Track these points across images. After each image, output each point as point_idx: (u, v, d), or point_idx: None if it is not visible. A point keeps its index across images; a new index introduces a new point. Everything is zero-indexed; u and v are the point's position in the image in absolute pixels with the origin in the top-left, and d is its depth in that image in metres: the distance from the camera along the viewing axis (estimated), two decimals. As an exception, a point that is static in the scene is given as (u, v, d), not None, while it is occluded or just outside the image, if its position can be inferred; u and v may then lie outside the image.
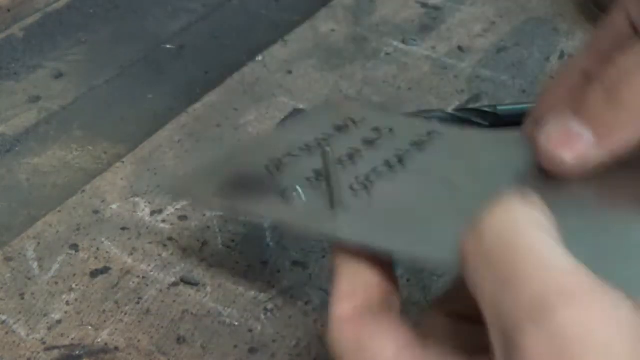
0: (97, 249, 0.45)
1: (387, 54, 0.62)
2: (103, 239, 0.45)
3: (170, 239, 0.45)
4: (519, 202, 0.25)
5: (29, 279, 0.43)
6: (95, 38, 0.65)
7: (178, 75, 0.61)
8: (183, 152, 0.52)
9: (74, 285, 0.42)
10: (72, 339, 0.40)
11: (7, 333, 0.40)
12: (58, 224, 0.46)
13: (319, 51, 0.62)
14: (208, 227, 0.46)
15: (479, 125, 0.54)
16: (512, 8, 0.68)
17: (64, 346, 0.39)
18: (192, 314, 0.41)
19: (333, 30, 0.64)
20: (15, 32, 0.65)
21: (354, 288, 0.30)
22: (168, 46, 0.64)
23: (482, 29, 0.65)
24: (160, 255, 0.44)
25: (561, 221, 0.26)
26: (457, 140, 0.40)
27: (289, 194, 0.35)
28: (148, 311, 0.41)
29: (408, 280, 0.43)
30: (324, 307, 0.41)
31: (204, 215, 0.47)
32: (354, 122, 0.41)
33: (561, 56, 0.62)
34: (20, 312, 0.41)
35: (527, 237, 0.24)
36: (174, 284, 0.43)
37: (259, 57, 0.61)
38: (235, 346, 0.40)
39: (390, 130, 0.41)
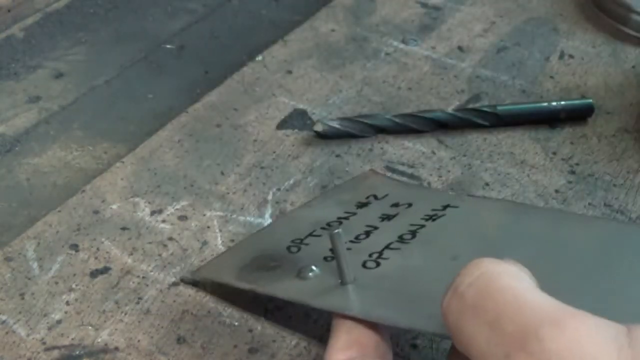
0: (97, 249, 0.45)
1: (387, 54, 0.62)
2: (103, 239, 0.45)
3: (170, 239, 0.45)
4: (491, 260, 0.27)
5: (29, 279, 0.43)
6: (95, 38, 0.65)
7: (178, 75, 0.61)
8: (183, 152, 0.52)
9: (74, 285, 0.43)
10: (72, 339, 0.40)
11: (7, 333, 0.40)
12: (58, 224, 0.46)
13: (319, 51, 0.62)
14: (208, 227, 0.46)
15: (479, 125, 0.54)
16: (512, 8, 0.68)
17: (64, 346, 0.39)
18: (192, 314, 0.41)
19: (333, 30, 0.64)
20: (15, 32, 0.65)
21: (350, 342, 0.32)
22: (168, 46, 0.64)
23: (482, 29, 0.65)
24: (160, 255, 0.44)
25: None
26: (468, 212, 0.42)
27: (305, 273, 0.38)
28: (148, 311, 0.41)
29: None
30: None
31: (204, 215, 0.47)
32: (376, 198, 0.44)
33: (561, 56, 0.62)
34: (20, 312, 0.41)
35: (504, 283, 0.26)
36: (174, 284, 0.43)
37: (259, 57, 0.61)
38: (235, 346, 0.40)
39: (409, 205, 0.44)
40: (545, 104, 0.55)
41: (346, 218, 0.44)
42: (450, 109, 0.55)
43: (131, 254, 0.44)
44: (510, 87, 0.59)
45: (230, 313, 0.41)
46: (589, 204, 0.48)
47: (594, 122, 0.55)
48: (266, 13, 0.69)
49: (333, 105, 0.56)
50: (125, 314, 0.41)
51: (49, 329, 0.40)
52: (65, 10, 0.68)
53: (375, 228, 0.42)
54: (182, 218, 0.47)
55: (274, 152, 0.52)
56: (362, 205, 0.45)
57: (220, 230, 0.46)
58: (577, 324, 0.24)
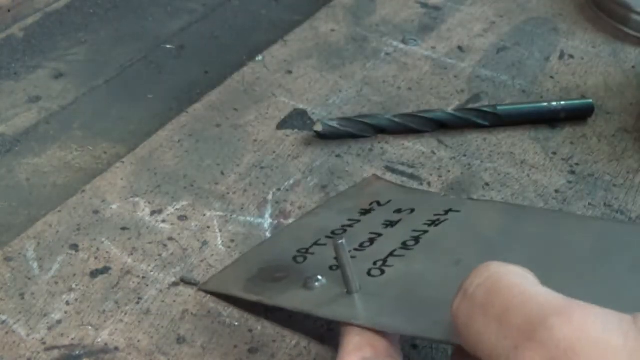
0: (97, 249, 0.45)
1: (387, 54, 0.62)
2: (103, 239, 0.45)
3: (170, 239, 0.45)
4: (499, 263, 0.28)
5: (29, 279, 0.43)
6: (95, 38, 0.65)
7: (178, 75, 0.61)
8: (183, 152, 0.52)
9: (74, 285, 0.42)
10: (72, 339, 0.40)
11: (7, 333, 0.40)
12: (58, 224, 0.46)
13: (319, 51, 0.62)
14: (208, 227, 0.46)
15: (479, 125, 0.54)
16: (512, 8, 0.68)
17: (64, 346, 0.39)
18: (192, 314, 0.41)
19: (333, 30, 0.64)
20: (15, 32, 0.65)
21: (362, 344, 0.33)
22: (168, 46, 0.64)
23: (482, 29, 0.65)
24: (160, 255, 0.44)
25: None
26: (470, 216, 0.43)
27: (311, 283, 0.39)
28: (148, 311, 0.41)
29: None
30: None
31: (204, 215, 0.47)
32: (379, 204, 0.45)
33: (561, 56, 0.62)
34: (20, 312, 0.41)
35: (511, 281, 0.27)
36: (174, 284, 0.43)
37: (259, 57, 0.61)
38: (235, 346, 0.40)
39: (412, 211, 0.44)
40: (545, 104, 0.55)
41: (350, 226, 0.44)
42: (450, 109, 0.55)
43: (131, 254, 0.44)
44: (510, 87, 0.59)
45: (230, 313, 0.41)
46: (589, 204, 0.48)
47: (594, 122, 0.55)
48: (266, 13, 0.69)
49: (333, 105, 0.56)
50: (125, 314, 0.41)
51: (49, 329, 0.40)
52: (65, 10, 0.68)
53: (379, 235, 0.42)
54: (182, 218, 0.47)
55: (274, 152, 0.52)
56: (365, 212, 0.45)
57: (220, 230, 0.46)
58: (584, 313, 0.24)
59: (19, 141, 0.54)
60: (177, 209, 0.47)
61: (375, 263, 0.39)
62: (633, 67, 0.61)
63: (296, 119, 0.55)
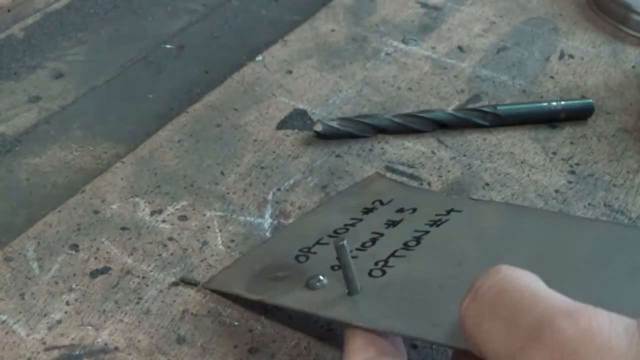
0: (97, 249, 0.45)
1: (387, 54, 0.62)
2: (103, 239, 0.45)
3: (170, 239, 0.45)
4: (510, 267, 0.29)
5: (29, 279, 0.43)
6: (95, 38, 0.65)
7: (178, 75, 0.61)
8: (183, 152, 0.52)
9: (74, 285, 0.42)
10: (72, 339, 0.40)
11: (7, 333, 0.40)
12: (58, 224, 0.46)
13: (319, 51, 0.62)
14: (208, 227, 0.46)
15: (479, 125, 0.54)
16: (512, 8, 0.68)
17: (64, 346, 0.39)
18: (192, 314, 0.41)
19: (333, 30, 0.64)
20: (15, 32, 0.65)
21: (367, 343, 0.34)
22: (168, 46, 0.64)
23: (482, 29, 0.65)
24: (160, 255, 0.44)
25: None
26: (472, 216, 0.43)
27: (313, 283, 0.39)
28: (148, 311, 0.41)
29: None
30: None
31: (204, 215, 0.47)
32: (382, 203, 0.45)
33: (561, 56, 0.62)
34: (20, 312, 0.41)
35: (522, 283, 0.28)
36: (174, 284, 0.43)
37: (259, 57, 0.61)
38: (235, 346, 0.40)
39: (414, 210, 0.44)
40: (545, 104, 0.55)
41: (352, 225, 0.44)
42: (450, 109, 0.55)
43: (131, 254, 0.44)
44: (510, 87, 0.59)
45: (230, 313, 0.41)
46: (589, 204, 0.48)
47: (594, 122, 0.55)
48: (266, 13, 0.69)
49: (333, 105, 0.56)
50: (125, 314, 0.41)
51: (49, 329, 0.40)
52: (65, 10, 0.68)
53: (381, 235, 0.42)
54: (182, 218, 0.47)
55: (274, 152, 0.52)
56: (367, 211, 0.45)
57: (220, 230, 0.46)
58: (590, 316, 0.25)
59: (19, 141, 0.54)
60: (177, 209, 0.47)
61: (376, 263, 0.39)
62: (633, 67, 0.61)
63: (296, 119, 0.55)
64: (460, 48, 0.63)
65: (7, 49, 0.63)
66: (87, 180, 0.50)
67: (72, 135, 0.55)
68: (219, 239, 0.46)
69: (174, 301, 0.42)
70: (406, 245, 0.40)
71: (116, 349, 0.39)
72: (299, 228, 0.46)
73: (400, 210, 0.44)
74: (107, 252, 0.44)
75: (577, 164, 0.51)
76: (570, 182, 0.50)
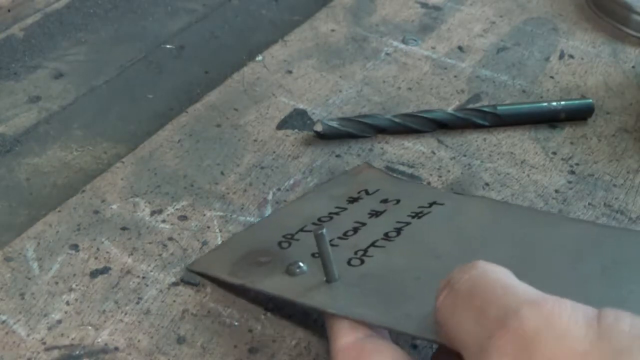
0: (97, 249, 0.45)
1: (387, 54, 0.62)
2: (103, 239, 0.45)
3: (170, 239, 0.45)
4: (486, 262, 0.30)
5: (29, 279, 0.43)
6: (95, 38, 0.65)
7: (178, 75, 0.61)
8: (183, 152, 0.52)
9: (74, 285, 0.42)
10: (72, 339, 0.40)
11: (7, 333, 0.40)
12: (58, 224, 0.46)
13: (319, 51, 0.62)
14: (208, 227, 0.46)
15: (479, 125, 0.54)
16: (512, 8, 0.68)
17: (64, 346, 0.39)
18: (192, 314, 0.41)
19: (333, 30, 0.64)
20: (15, 32, 0.65)
21: (353, 325, 0.34)
22: (168, 46, 0.64)
23: (482, 29, 0.65)
24: (160, 255, 0.44)
25: None
26: (453, 210, 0.44)
27: (293, 270, 0.39)
28: (148, 311, 0.41)
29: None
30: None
31: (204, 215, 0.47)
32: (367, 193, 0.45)
33: (561, 56, 0.62)
34: (20, 312, 0.41)
35: (495, 276, 0.29)
36: (174, 284, 0.43)
37: (259, 57, 0.61)
38: (235, 346, 0.40)
39: (397, 202, 0.45)
40: (545, 104, 0.55)
41: (337, 213, 0.44)
42: (450, 109, 0.55)
43: (131, 254, 0.44)
44: (510, 87, 0.59)
45: (230, 313, 0.41)
46: (589, 204, 0.48)
47: (594, 122, 0.55)
48: (266, 13, 0.69)
49: (333, 105, 0.56)
50: (125, 314, 0.41)
51: (49, 329, 0.40)
52: (65, 10, 0.68)
53: (363, 224, 0.43)
54: (182, 218, 0.47)
55: (274, 152, 0.52)
56: (353, 200, 0.46)
57: (220, 230, 0.46)
58: (554, 305, 0.26)
59: (19, 141, 0.54)
60: (177, 209, 0.47)
61: (356, 253, 0.40)
62: (633, 67, 0.61)
63: (296, 119, 0.55)
64: (460, 48, 0.63)
65: (7, 49, 0.63)
66: (87, 180, 0.50)
67: (72, 135, 0.55)
68: (219, 239, 0.46)
69: (174, 301, 0.42)
70: (387, 236, 0.41)
71: (116, 349, 0.39)
72: (285, 215, 0.46)
73: (385, 201, 0.45)
74: (107, 252, 0.44)
75: (577, 164, 0.51)
76: (570, 182, 0.50)
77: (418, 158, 0.52)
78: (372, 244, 0.40)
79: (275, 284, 0.39)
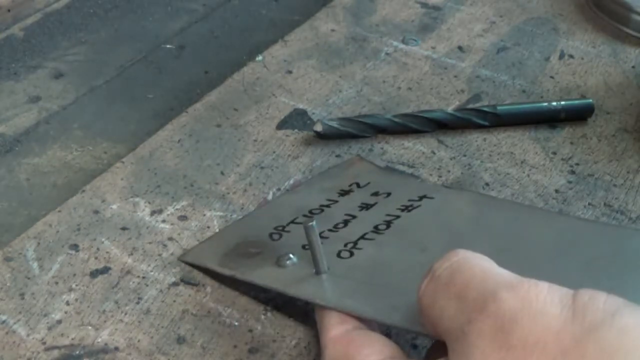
0: (97, 249, 0.45)
1: (387, 54, 0.62)
2: (103, 239, 0.45)
3: (170, 239, 0.45)
4: (464, 250, 0.30)
5: (29, 279, 0.43)
6: (95, 38, 0.65)
7: (178, 75, 0.61)
8: (183, 152, 0.52)
9: (74, 285, 0.42)
10: (72, 339, 0.40)
11: (7, 333, 0.40)
12: (58, 224, 0.46)
13: (319, 51, 0.62)
14: (208, 227, 0.46)
15: (479, 125, 0.54)
16: (512, 8, 0.68)
17: (64, 346, 0.39)
18: (192, 314, 0.41)
19: (333, 30, 0.64)
20: (15, 32, 0.65)
21: (343, 317, 0.35)
22: (168, 46, 0.64)
23: (482, 29, 0.65)
24: (160, 255, 0.44)
25: None
26: (442, 204, 0.44)
27: (283, 261, 0.40)
28: (148, 311, 0.41)
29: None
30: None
31: (204, 215, 0.47)
32: (358, 186, 0.45)
33: (561, 56, 0.62)
34: (20, 312, 0.41)
35: (475, 263, 0.29)
36: (174, 284, 0.43)
37: (259, 57, 0.61)
38: (235, 346, 0.40)
39: (388, 194, 0.46)
40: (545, 104, 0.55)
41: (328, 206, 0.45)
42: (450, 109, 0.55)
43: (131, 254, 0.44)
44: (510, 87, 0.59)
45: (230, 313, 0.41)
46: (589, 204, 0.48)
47: (594, 122, 0.55)
48: (266, 13, 0.69)
49: (333, 105, 0.56)
50: (125, 314, 0.41)
51: (49, 329, 0.40)
52: (65, 10, 0.68)
53: (354, 217, 0.43)
54: (182, 218, 0.47)
55: (274, 152, 0.52)
56: (344, 193, 0.46)
57: (221, 229, 0.46)
58: (530, 287, 0.27)
59: (19, 141, 0.54)
60: (177, 209, 0.47)
61: (346, 245, 0.40)
62: (633, 67, 0.61)
63: (296, 119, 0.55)
64: (460, 48, 0.63)
65: (7, 49, 0.63)
66: (87, 180, 0.50)
67: (72, 135, 0.55)
68: (219, 239, 0.46)
69: (174, 301, 0.42)
70: (376, 229, 0.41)
71: (116, 349, 0.39)
72: (277, 206, 0.47)
73: (376, 194, 0.45)
74: (107, 252, 0.44)
75: (577, 164, 0.51)
76: (570, 182, 0.50)
77: (418, 158, 0.52)
78: (362, 237, 0.41)
79: (265, 275, 0.40)
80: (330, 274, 0.38)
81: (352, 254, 0.39)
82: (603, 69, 0.60)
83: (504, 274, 0.28)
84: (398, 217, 0.42)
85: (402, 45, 0.63)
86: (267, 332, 0.40)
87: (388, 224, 0.41)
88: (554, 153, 0.52)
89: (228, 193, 0.49)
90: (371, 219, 0.42)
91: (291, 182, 0.50)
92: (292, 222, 0.43)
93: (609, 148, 0.53)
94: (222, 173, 0.50)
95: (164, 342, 0.40)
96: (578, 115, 0.55)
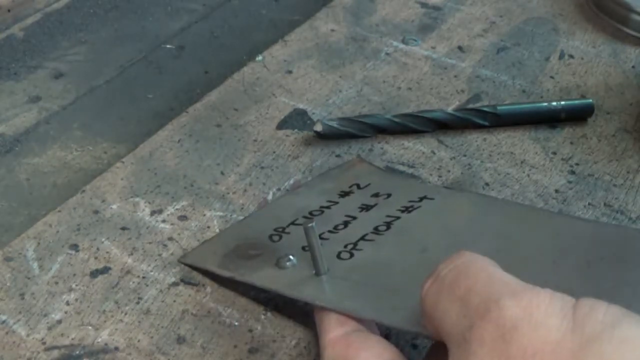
0: (97, 249, 0.45)
1: (387, 54, 0.62)
2: (103, 239, 0.45)
3: (170, 239, 0.45)
4: (470, 252, 0.30)
5: (29, 279, 0.43)
6: (95, 38, 0.65)
7: (178, 75, 0.61)
8: (183, 152, 0.52)
9: (74, 285, 0.42)
10: (72, 339, 0.40)
11: (7, 333, 0.40)
12: (58, 224, 0.46)
13: (319, 51, 0.62)
14: (208, 227, 0.46)
15: (479, 125, 0.54)
16: (512, 8, 0.68)
17: (64, 346, 0.39)
18: (192, 314, 0.41)
19: (333, 30, 0.64)
20: (15, 32, 0.65)
21: (342, 319, 0.35)
22: (168, 46, 0.64)
23: (482, 29, 0.65)
24: (160, 255, 0.44)
25: None
26: (442, 205, 0.44)
27: (283, 263, 0.40)
28: (148, 311, 0.41)
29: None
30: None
31: (204, 215, 0.47)
32: (359, 187, 0.45)
33: (561, 56, 0.62)
34: (20, 312, 0.41)
35: (480, 266, 0.29)
36: (174, 284, 0.43)
37: (259, 57, 0.61)
38: (235, 346, 0.40)
39: (388, 196, 0.46)
40: (545, 104, 0.55)
41: (328, 207, 0.45)
42: (450, 109, 0.55)
43: (131, 254, 0.44)
44: (510, 87, 0.59)
45: (230, 313, 0.41)
46: (589, 204, 0.48)
47: (594, 122, 0.55)
48: (266, 13, 0.69)
49: (333, 105, 0.56)
50: (125, 314, 0.41)
51: (49, 329, 0.40)
52: (65, 10, 0.68)
53: (354, 218, 0.43)
54: (182, 218, 0.47)
55: (274, 152, 0.52)
56: (344, 194, 0.46)
57: (220, 230, 0.46)
58: (533, 295, 0.27)
59: (19, 141, 0.54)
60: (177, 209, 0.47)
61: (346, 246, 0.40)
62: (633, 67, 0.61)
63: (296, 119, 0.55)
64: (460, 48, 0.63)
65: (7, 49, 0.63)
66: (87, 180, 0.50)
67: (72, 135, 0.55)
68: (219, 239, 0.46)
69: (174, 301, 0.42)
70: (376, 230, 0.41)
71: (116, 349, 0.39)
72: (277, 208, 0.47)
73: (376, 195, 0.45)
74: (107, 252, 0.44)
75: (577, 164, 0.51)
76: (570, 182, 0.50)
77: (418, 158, 0.52)
78: (362, 238, 0.41)
79: (265, 277, 0.40)
80: (330, 275, 0.38)
81: (352, 255, 0.39)
82: (603, 69, 0.60)
83: (508, 280, 0.28)
84: (398, 218, 0.42)
85: (402, 45, 0.63)
86: (267, 332, 0.40)
87: (388, 225, 0.41)
88: (554, 153, 0.52)
89: (228, 193, 0.49)
90: (371, 220, 0.42)
91: (291, 182, 0.50)
92: (292, 223, 0.43)
93: (609, 148, 0.53)
94: (222, 173, 0.50)
95: (164, 342, 0.40)
96: (578, 115, 0.55)
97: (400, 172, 0.50)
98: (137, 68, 0.62)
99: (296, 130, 0.54)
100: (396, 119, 0.53)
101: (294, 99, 0.57)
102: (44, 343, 0.39)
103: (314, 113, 0.55)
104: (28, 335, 0.40)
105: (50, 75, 0.61)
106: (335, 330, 0.34)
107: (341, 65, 0.60)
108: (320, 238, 0.38)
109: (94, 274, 0.43)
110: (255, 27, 0.67)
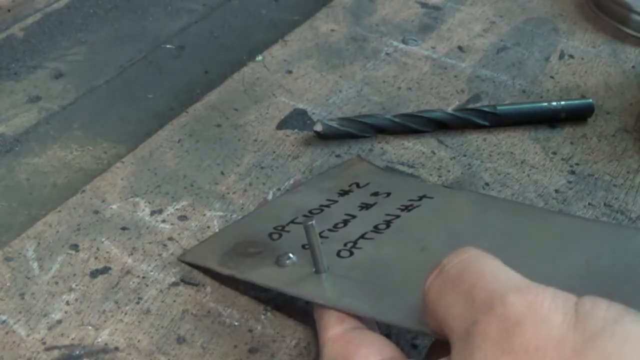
0: (97, 249, 0.45)
1: (387, 54, 0.62)
2: (103, 239, 0.45)
3: (170, 239, 0.45)
4: (474, 248, 0.31)
5: (29, 279, 0.43)
6: (95, 38, 0.65)
7: (178, 75, 0.61)
8: (183, 152, 0.52)
9: (74, 285, 0.42)
10: (72, 339, 0.40)
11: (7, 333, 0.40)
12: (58, 224, 0.46)
13: (319, 51, 0.62)
14: (208, 227, 0.46)
15: (479, 125, 0.54)
16: (512, 8, 0.68)
17: (64, 346, 0.39)
18: (192, 314, 0.41)
19: (333, 30, 0.64)
20: (15, 32, 0.65)
21: (342, 317, 0.35)
22: (168, 46, 0.64)
23: (482, 29, 0.65)
24: (160, 255, 0.44)
25: None
26: (442, 204, 0.44)
27: (283, 261, 0.40)
28: (148, 311, 0.41)
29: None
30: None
31: (204, 215, 0.47)
32: (358, 186, 0.46)
33: (561, 56, 0.62)
34: (20, 312, 0.41)
35: (484, 261, 0.30)
36: (174, 284, 0.43)
37: (259, 57, 0.61)
38: (235, 346, 0.40)
39: (388, 194, 0.46)
40: (545, 104, 0.55)
41: (327, 206, 0.45)
42: (450, 109, 0.55)
43: (131, 254, 0.44)
44: (510, 87, 0.59)
45: (230, 313, 0.41)
46: (589, 204, 0.48)
47: (594, 122, 0.55)
48: (266, 13, 0.69)
49: (333, 105, 0.56)
50: (125, 314, 0.41)
51: (49, 329, 0.40)
52: (65, 10, 0.68)
53: (354, 217, 0.43)
54: (182, 218, 0.47)
55: (274, 152, 0.52)
56: (344, 193, 0.46)
57: (220, 229, 0.46)
58: (538, 292, 0.27)
59: (19, 141, 0.54)
60: (177, 209, 0.47)
61: (345, 244, 0.40)
62: (633, 67, 0.61)
63: (296, 119, 0.55)
64: (460, 48, 0.63)
65: (7, 49, 0.63)
66: (87, 180, 0.50)
67: (72, 135, 0.55)
68: (219, 239, 0.46)
69: (174, 301, 0.42)
70: (376, 228, 0.41)
71: (116, 349, 0.39)
72: (277, 207, 0.47)
73: (375, 194, 0.45)
74: (107, 252, 0.44)
75: (577, 164, 0.51)
76: (570, 182, 0.50)
77: (418, 158, 0.52)
78: (362, 236, 0.41)
79: (264, 275, 0.40)
80: (330, 274, 0.38)
81: (351, 253, 0.39)
82: (603, 69, 0.60)
83: (512, 277, 0.28)
84: (398, 216, 0.42)
85: (402, 45, 0.63)
86: (267, 332, 0.40)
87: (388, 223, 0.41)
88: (554, 153, 0.52)
89: (228, 193, 0.49)
90: (371, 219, 0.42)
91: (291, 182, 0.50)
92: (292, 222, 0.44)
93: (609, 148, 0.53)
94: (222, 173, 0.50)
95: (164, 342, 0.40)
96: (578, 115, 0.55)
97: (400, 171, 0.50)
98: (137, 68, 0.62)
99: (296, 130, 0.54)
100: (396, 119, 0.53)
101: (294, 99, 0.57)
102: (44, 343, 0.39)
103: (314, 113, 0.55)
104: (28, 335, 0.40)
105: (50, 75, 0.61)
106: (334, 328, 0.34)
107: (341, 65, 0.60)
108: (320, 236, 0.38)
109: (94, 274, 0.43)
110: (255, 27, 0.67)
